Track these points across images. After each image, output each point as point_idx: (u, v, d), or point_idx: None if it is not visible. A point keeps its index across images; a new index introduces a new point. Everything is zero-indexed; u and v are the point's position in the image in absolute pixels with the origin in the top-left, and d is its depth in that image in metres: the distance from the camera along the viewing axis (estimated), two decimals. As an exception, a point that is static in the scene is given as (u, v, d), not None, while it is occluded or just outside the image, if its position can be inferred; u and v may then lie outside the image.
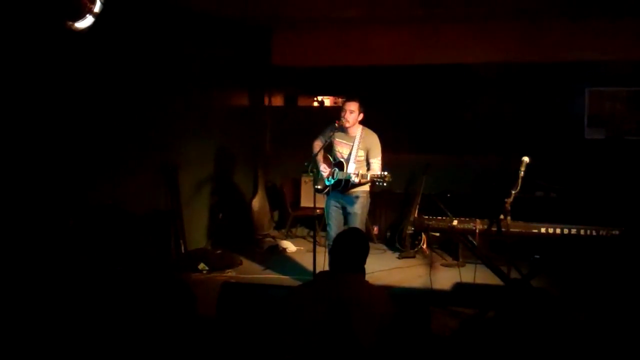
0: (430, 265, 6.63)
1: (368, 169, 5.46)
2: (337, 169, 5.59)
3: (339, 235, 3.25)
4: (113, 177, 5.73)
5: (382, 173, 5.11)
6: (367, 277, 3.15)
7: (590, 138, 7.74)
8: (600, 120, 7.74)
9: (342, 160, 5.61)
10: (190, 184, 7.10)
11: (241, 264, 6.78)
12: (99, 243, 5.36)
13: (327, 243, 5.88)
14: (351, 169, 5.48)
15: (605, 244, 4.49)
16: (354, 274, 3.01)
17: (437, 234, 5.65)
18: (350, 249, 3.07)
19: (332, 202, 5.68)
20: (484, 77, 7.75)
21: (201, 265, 6.40)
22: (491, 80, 7.74)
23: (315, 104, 9.36)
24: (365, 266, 3.14)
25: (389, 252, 7.47)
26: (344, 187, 5.51)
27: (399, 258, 7.17)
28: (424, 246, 7.22)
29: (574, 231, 4.50)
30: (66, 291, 4.60)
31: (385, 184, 5.09)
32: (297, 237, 8.25)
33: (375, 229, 7.92)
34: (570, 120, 7.76)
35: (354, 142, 5.55)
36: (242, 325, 3.44)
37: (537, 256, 6.13)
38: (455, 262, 6.75)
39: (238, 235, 7.78)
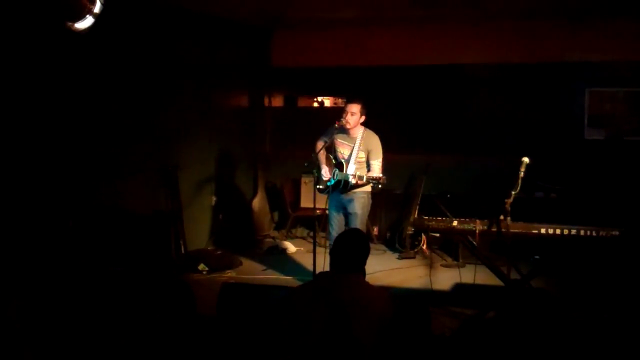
0: (430, 265, 6.62)
1: (369, 170, 5.47)
2: (337, 170, 5.60)
3: (340, 236, 3.25)
4: (113, 178, 5.73)
5: (378, 176, 5.12)
6: (367, 278, 3.15)
7: (590, 138, 7.73)
8: (600, 120, 7.73)
9: (342, 160, 5.62)
10: (190, 184, 7.10)
11: (241, 264, 6.77)
12: (99, 244, 5.36)
13: (328, 243, 5.88)
14: (351, 169, 5.49)
15: (605, 244, 4.49)
16: (354, 275, 3.01)
17: (437, 235, 5.64)
18: (350, 250, 3.07)
19: (334, 203, 5.69)
20: (484, 77, 7.75)
21: (201, 266, 6.40)
22: (491, 80, 7.74)
23: (315, 104, 9.37)
24: (365, 267, 3.14)
25: (389, 253, 7.47)
26: (343, 187, 5.51)
27: (399, 259, 7.17)
28: (424, 247, 7.22)
29: (573, 232, 4.50)
30: (66, 292, 4.60)
31: (380, 186, 5.12)
32: (297, 237, 8.24)
33: (375, 229, 7.92)
34: (570, 120, 7.75)
35: (354, 143, 5.56)
36: (242, 326, 3.45)
37: (537, 256, 6.14)
38: (455, 262, 6.74)
39: (238, 235, 7.78)
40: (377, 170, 5.41)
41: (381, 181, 5.06)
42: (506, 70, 7.68)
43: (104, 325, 3.64)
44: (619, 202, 6.53)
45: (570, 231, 4.51)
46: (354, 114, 5.48)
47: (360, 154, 5.52)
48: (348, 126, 5.48)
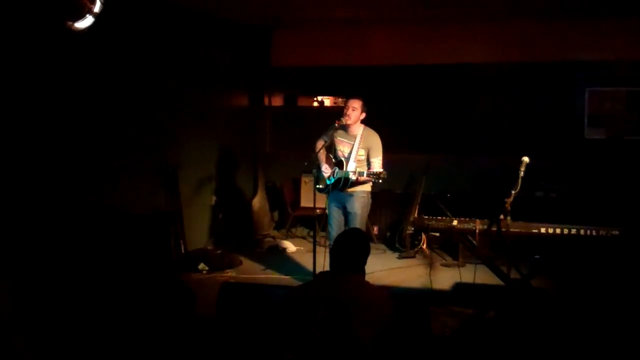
0: (430, 265, 6.63)
1: (369, 168, 5.46)
2: (337, 168, 5.60)
3: (340, 236, 3.25)
4: (113, 178, 5.73)
5: (378, 171, 5.12)
6: (367, 277, 3.16)
7: (590, 138, 7.73)
8: (600, 120, 7.73)
9: (342, 159, 5.61)
10: (190, 184, 7.10)
11: (241, 264, 6.77)
12: (99, 243, 5.36)
13: (328, 243, 5.88)
14: (351, 167, 5.48)
15: (605, 244, 4.49)
16: (354, 274, 3.01)
17: (437, 234, 5.64)
18: (350, 249, 3.07)
19: (333, 202, 5.68)
20: (484, 77, 7.75)
21: (201, 266, 6.40)
22: (491, 80, 7.74)
23: (315, 104, 9.37)
24: (366, 266, 3.14)
25: (389, 252, 7.47)
26: (343, 185, 5.51)
27: (399, 258, 7.17)
28: (424, 246, 7.22)
29: (573, 231, 4.49)
30: (66, 291, 4.60)
31: (380, 181, 5.11)
32: (297, 237, 8.25)
33: (375, 229, 7.92)
34: (570, 120, 7.74)
35: (355, 141, 5.55)
36: (242, 325, 3.45)
37: (537, 256, 6.13)
38: (455, 262, 6.75)
39: (238, 235, 7.78)
40: (377, 169, 5.40)
41: (381, 175, 5.06)
42: (506, 70, 7.68)
43: (103, 325, 3.64)
44: (619, 202, 6.53)
45: (570, 231, 4.50)
46: (355, 109, 5.48)
47: (360, 151, 5.52)
48: (349, 121, 5.48)
